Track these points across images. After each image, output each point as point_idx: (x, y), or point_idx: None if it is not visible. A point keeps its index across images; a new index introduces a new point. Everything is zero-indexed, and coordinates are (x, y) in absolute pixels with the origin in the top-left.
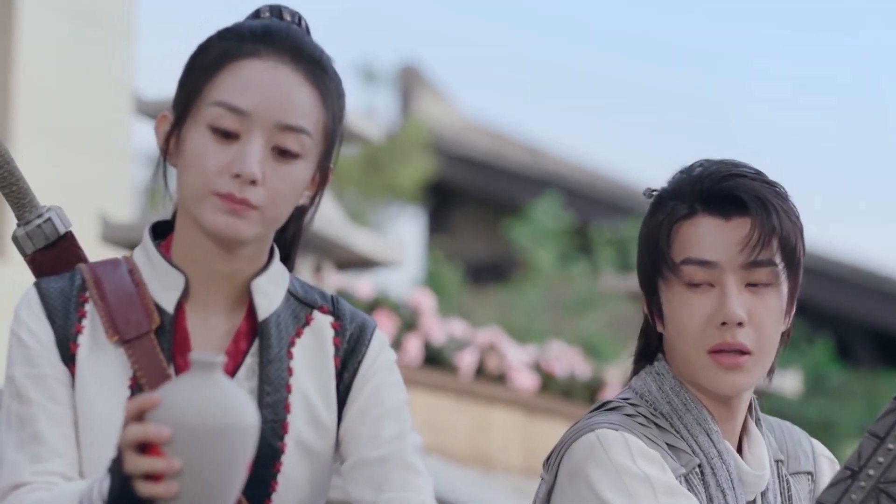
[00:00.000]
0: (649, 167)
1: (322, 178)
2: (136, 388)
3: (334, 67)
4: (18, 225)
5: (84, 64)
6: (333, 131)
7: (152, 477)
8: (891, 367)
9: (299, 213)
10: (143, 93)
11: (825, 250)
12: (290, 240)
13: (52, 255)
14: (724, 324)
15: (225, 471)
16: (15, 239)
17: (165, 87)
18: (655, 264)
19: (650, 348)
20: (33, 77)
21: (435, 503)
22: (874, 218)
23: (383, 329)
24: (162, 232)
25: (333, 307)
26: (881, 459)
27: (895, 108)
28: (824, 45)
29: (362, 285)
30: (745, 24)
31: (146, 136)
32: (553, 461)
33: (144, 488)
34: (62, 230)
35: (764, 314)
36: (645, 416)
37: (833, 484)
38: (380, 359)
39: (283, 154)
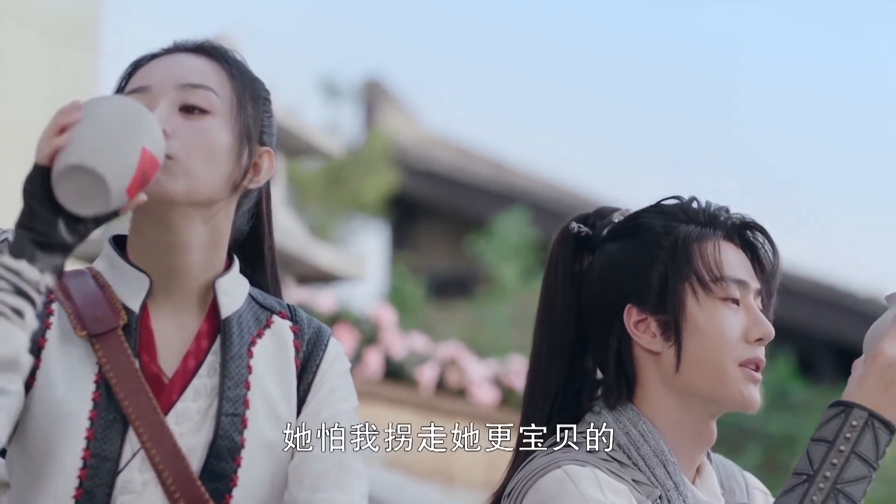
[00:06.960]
0: (620, 182)
1: (253, 165)
2: (101, 382)
3: (238, 58)
4: None
5: (52, 81)
6: (246, 101)
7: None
8: None
9: (254, 204)
10: None
11: (788, 265)
12: (257, 244)
13: None
14: (759, 340)
15: (120, 143)
16: None
17: None
18: (685, 276)
19: (628, 385)
20: (2, 92)
21: None
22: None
23: (343, 343)
24: (121, 244)
25: (291, 313)
26: (835, 461)
27: None
28: (826, 47)
29: (324, 299)
30: (742, 23)
31: None
32: (515, 496)
33: (57, 141)
34: None
35: None
36: (605, 452)
37: (789, 490)
38: (336, 363)
39: (190, 110)
